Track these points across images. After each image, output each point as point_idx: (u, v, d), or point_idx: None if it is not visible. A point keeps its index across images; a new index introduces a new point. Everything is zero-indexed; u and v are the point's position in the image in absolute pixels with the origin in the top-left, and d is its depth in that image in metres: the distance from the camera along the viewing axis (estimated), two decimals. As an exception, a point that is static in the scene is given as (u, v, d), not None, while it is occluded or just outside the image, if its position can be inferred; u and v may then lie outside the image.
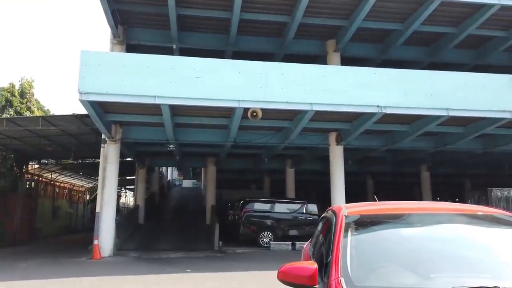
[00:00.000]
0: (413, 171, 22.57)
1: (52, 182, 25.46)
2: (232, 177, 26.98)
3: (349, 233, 2.39)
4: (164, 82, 10.58)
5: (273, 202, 15.76)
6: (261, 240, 15.02)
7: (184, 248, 14.56)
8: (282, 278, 2.23)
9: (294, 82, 11.05)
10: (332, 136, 14.30)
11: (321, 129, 14.11)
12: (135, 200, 22.57)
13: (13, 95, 19.92)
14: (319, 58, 15.25)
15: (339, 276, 1.99)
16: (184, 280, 9.02)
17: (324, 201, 17.04)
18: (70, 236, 23.99)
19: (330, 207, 3.49)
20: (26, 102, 20.39)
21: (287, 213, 15.74)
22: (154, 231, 18.68)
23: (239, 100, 10.83)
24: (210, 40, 14.66)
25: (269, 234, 15.13)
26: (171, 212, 25.17)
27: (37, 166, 22.07)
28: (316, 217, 15.63)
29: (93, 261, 11.85)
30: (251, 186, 28.65)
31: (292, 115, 12.79)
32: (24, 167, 20.12)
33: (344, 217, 2.58)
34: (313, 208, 15.88)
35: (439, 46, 14.92)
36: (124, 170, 18.50)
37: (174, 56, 11.93)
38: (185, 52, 14.44)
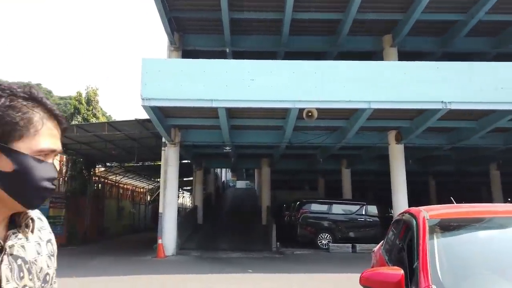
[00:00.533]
0: (480, 170, 21.07)
1: (116, 184, 27.01)
2: (285, 178, 26.93)
3: (434, 237, 2.28)
4: (219, 86, 10.81)
5: (331, 203, 15.48)
6: (320, 242, 14.83)
7: (242, 248, 14.76)
8: (365, 284, 2.17)
9: (350, 80, 10.79)
10: (392, 135, 13.76)
11: (380, 128, 13.64)
12: (193, 201, 23.30)
13: (80, 103, 21.42)
14: (375, 55, 14.78)
15: (430, 284, 1.90)
16: (245, 280, 9.14)
17: (382, 202, 16.49)
18: (133, 235, 25.26)
19: (405, 210, 3.35)
20: (92, 109, 21.82)
21: (346, 214, 15.40)
22: (212, 231, 19.14)
23: (293, 101, 10.78)
24: (262, 42, 14.76)
25: (327, 236, 14.90)
26: (227, 212, 25.65)
27: (103, 169, 23.54)
28: (376, 218, 15.15)
29: (157, 260, 12.39)
30: (305, 187, 28.43)
31: (349, 114, 12.50)
32: (92, 170, 21.53)
33: (426, 220, 2.46)
34: (372, 209, 15.40)
35: (506, 36, 13.85)
36: (181, 171, 19.16)
37: (229, 60, 12.17)
38: (238, 55, 14.68)
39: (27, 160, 0.83)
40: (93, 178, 22.06)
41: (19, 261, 0.90)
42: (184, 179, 28.22)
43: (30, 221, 0.94)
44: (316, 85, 10.69)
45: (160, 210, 13.76)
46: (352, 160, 19.94)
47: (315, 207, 15.53)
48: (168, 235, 13.31)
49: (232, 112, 12.32)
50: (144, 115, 12.05)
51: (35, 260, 0.95)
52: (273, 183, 22.07)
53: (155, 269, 10.47)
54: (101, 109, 23.41)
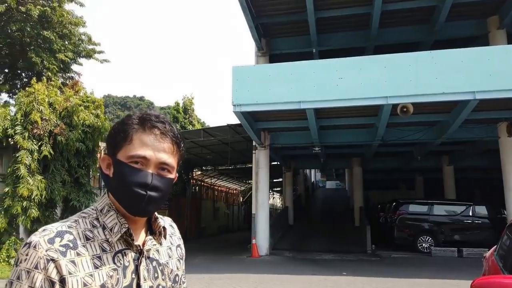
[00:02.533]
0: None
1: (211, 186, 28.51)
2: (378, 177, 25.72)
3: None
4: (307, 87, 10.78)
5: (432, 204, 14.34)
6: (420, 245, 13.86)
7: (335, 250, 14.48)
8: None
9: (450, 70, 9.93)
10: (502, 127, 12.31)
11: (487, 120, 12.31)
12: (284, 202, 23.52)
13: (178, 112, 23.13)
14: (477, 40, 13.38)
15: None
16: (341, 283, 8.93)
17: (492, 202, 14.80)
18: (228, 235, 26.38)
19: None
20: (189, 117, 23.41)
21: (449, 215, 14.16)
22: (304, 232, 19.11)
23: (386, 97, 10.27)
24: (349, 39, 14.36)
25: (428, 238, 13.86)
26: (318, 213, 25.39)
27: (199, 172, 25.05)
28: (486, 220, 13.68)
29: (252, 259, 12.77)
30: (401, 187, 26.82)
31: (449, 107, 11.50)
32: (190, 173, 23.06)
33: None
34: (481, 210, 13.90)
35: None
36: (271, 173, 19.50)
37: (316, 60, 12.05)
38: (324, 54, 14.48)
39: (121, 165, 0.97)
40: (191, 181, 23.60)
41: (154, 263, 1.04)
42: (274, 180, 28.66)
43: (162, 229, 1.08)
44: (411, 78, 10.05)
45: (253, 211, 14.16)
46: (455, 156, 18.25)
47: (413, 208, 14.53)
48: (261, 236, 13.63)
49: (320, 113, 12.19)
50: (235, 120, 12.56)
51: (167, 263, 1.09)
52: (365, 183, 21.25)
53: (252, 269, 10.81)
54: (196, 116, 24.95)
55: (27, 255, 0.88)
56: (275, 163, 21.11)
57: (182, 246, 1.20)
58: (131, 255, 0.98)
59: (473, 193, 23.07)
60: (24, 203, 9.97)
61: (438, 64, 10.05)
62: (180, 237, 1.21)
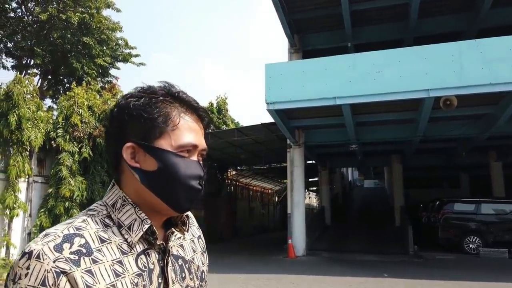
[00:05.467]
0: None
1: (246, 186, 28.55)
2: (419, 175, 24.71)
3: None
4: (343, 82, 10.45)
5: (479, 203, 13.53)
6: (467, 246, 13.11)
7: (374, 250, 13.99)
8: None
9: (498, 59, 9.28)
10: (556, 119, 11.41)
11: (540, 111, 11.43)
12: (320, 201, 23.12)
13: (212, 112, 23.30)
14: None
15: None
16: (382, 285, 8.58)
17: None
18: (263, 235, 26.31)
19: None
20: (222, 117, 23.53)
21: (499, 215, 13.31)
22: (341, 232, 18.66)
23: (428, 90, 9.75)
24: (386, 31, 13.83)
25: (476, 239, 13.09)
26: (356, 213, 24.76)
27: (234, 172, 25.13)
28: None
29: (289, 260, 12.57)
30: (444, 185, 25.63)
31: (497, 99, 10.76)
32: (224, 173, 23.17)
33: None
34: (534, 208, 12.99)
35: None
36: (306, 172, 19.20)
37: (351, 54, 11.68)
38: (360, 48, 14.01)
39: (169, 156, 0.80)
40: (226, 181, 23.71)
41: (180, 261, 0.88)
42: (310, 179, 28.28)
43: (186, 218, 0.91)
44: (454, 69, 9.49)
45: (288, 211, 13.96)
46: (504, 151, 17.13)
47: (459, 207, 13.76)
48: (297, 236, 13.40)
49: (357, 109, 11.79)
50: (268, 119, 12.42)
51: (193, 259, 0.93)
52: (405, 181, 20.44)
53: (288, 269, 10.62)
54: (230, 116, 25.05)
55: (28, 268, 0.69)
56: (311, 162, 20.77)
57: (202, 237, 1.04)
58: (154, 255, 0.83)
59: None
60: (66, 204, 10.33)
61: (484, 53, 9.42)
62: (199, 227, 1.04)
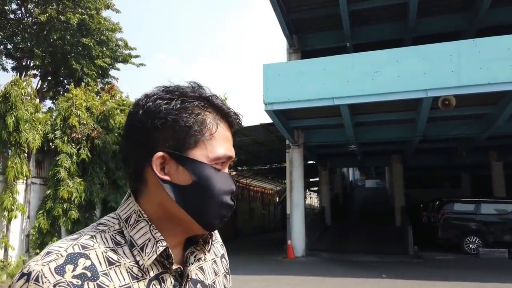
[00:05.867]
0: None
1: (247, 187, 28.53)
2: (420, 175, 24.67)
3: None
4: (341, 82, 10.42)
5: (479, 203, 13.47)
6: (466, 246, 13.06)
7: (374, 251, 13.95)
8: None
9: (496, 58, 9.24)
10: (556, 119, 11.34)
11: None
12: (320, 201, 23.08)
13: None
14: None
15: None
16: (380, 286, 8.56)
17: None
18: (264, 235, 26.27)
19: None
20: (222, 117, 23.56)
21: (499, 215, 13.24)
22: (342, 232, 18.62)
23: (426, 90, 9.72)
24: (385, 31, 13.79)
25: (476, 239, 13.03)
26: (356, 213, 24.72)
27: (234, 173, 25.12)
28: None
29: (288, 260, 12.54)
30: (445, 184, 25.56)
31: (496, 98, 10.70)
32: (225, 174, 23.14)
33: None
34: (534, 208, 12.91)
35: None
36: (307, 172, 19.17)
37: (349, 54, 11.65)
38: (359, 48, 13.97)
39: (206, 169, 0.71)
40: (226, 181, 23.65)
41: (199, 286, 0.77)
42: (310, 180, 28.25)
43: (209, 235, 0.80)
44: (452, 69, 9.45)
45: (288, 211, 13.93)
46: (505, 151, 17.07)
47: (459, 207, 13.70)
48: (297, 236, 13.37)
49: (355, 109, 11.76)
50: (268, 119, 12.39)
51: (214, 283, 0.82)
52: (406, 181, 20.39)
53: (287, 270, 10.59)
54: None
55: None
56: (311, 162, 20.74)
57: (226, 256, 0.93)
58: (170, 281, 0.73)
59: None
60: (65, 205, 10.32)
61: (483, 52, 9.38)
62: (223, 244, 0.93)
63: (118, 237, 0.71)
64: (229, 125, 0.77)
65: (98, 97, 13.12)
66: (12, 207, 9.57)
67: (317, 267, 11.30)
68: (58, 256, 0.64)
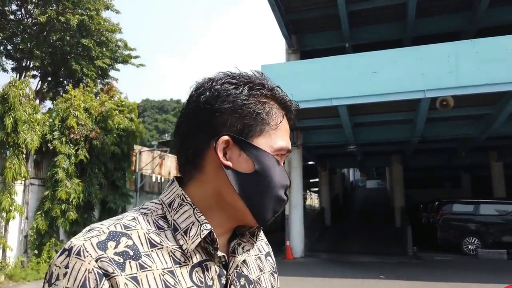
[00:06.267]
0: None
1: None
2: (420, 176, 24.62)
3: None
4: (339, 83, 10.41)
5: (478, 203, 13.44)
6: (465, 247, 13.03)
7: (374, 251, 13.93)
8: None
9: (494, 59, 9.22)
10: (555, 119, 11.31)
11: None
12: (320, 202, 23.05)
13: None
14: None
15: None
16: (378, 287, 8.55)
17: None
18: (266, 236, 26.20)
19: None
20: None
21: (498, 215, 13.20)
22: (341, 233, 18.60)
23: (424, 90, 9.71)
24: (384, 31, 13.78)
25: (475, 240, 13.00)
26: (356, 213, 24.69)
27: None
28: (540, 221, 12.66)
29: (287, 261, 12.52)
30: (445, 185, 25.51)
31: (494, 99, 10.69)
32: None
33: None
34: (534, 209, 12.87)
35: None
36: (307, 173, 19.13)
37: (347, 55, 11.64)
38: (358, 49, 13.96)
39: (269, 159, 0.69)
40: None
41: (242, 281, 0.73)
42: (310, 180, 28.20)
43: (257, 228, 0.76)
44: (450, 69, 9.43)
45: (286, 212, 13.91)
46: (505, 151, 17.03)
47: (458, 207, 13.67)
48: (295, 237, 13.36)
49: (354, 109, 11.75)
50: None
51: (259, 279, 0.78)
52: (406, 182, 20.35)
53: (285, 271, 10.53)
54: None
55: (67, 267, 0.59)
56: (311, 162, 20.72)
57: (272, 254, 0.89)
58: (214, 269, 0.69)
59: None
60: (63, 206, 10.34)
61: (480, 53, 9.36)
62: (268, 243, 0.89)
63: (161, 222, 0.69)
64: (288, 119, 0.76)
65: (97, 98, 13.15)
66: (10, 208, 9.59)
67: (316, 267, 11.29)
68: (100, 232, 0.62)
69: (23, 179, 10.29)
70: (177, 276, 0.64)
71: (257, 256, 0.82)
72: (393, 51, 10.47)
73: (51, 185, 10.52)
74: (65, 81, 19.38)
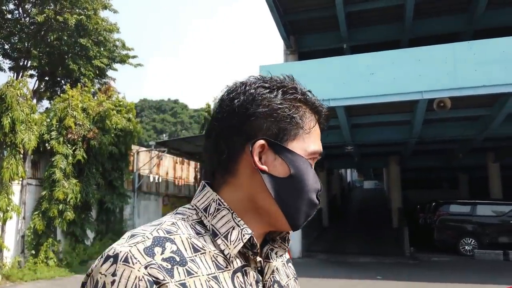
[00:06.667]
0: None
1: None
2: (418, 177, 24.68)
3: None
4: (336, 84, 10.42)
5: (474, 204, 13.49)
6: (462, 248, 13.08)
7: (371, 252, 13.97)
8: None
9: (491, 61, 9.24)
10: (552, 120, 11.36)
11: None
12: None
13: (209, 113, 23.31)
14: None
15: None
16: (376, 287, 8.59)
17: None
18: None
19: None
20: (219, 118, 23.49)
21: (495, 216, 13.26)
22: (339, 234, 18.64)
23: (421, 92, 9.72)
24: (382, 32, 13.82)
25: (471, 240, 13.05)
26: (354, 214, 24.73)
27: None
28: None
29: (284, 261, 12.53)
30: (443, 186, 25.60)
31: (491, 100, 10.73)
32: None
33: None
34: (530, 210, 12.93)
35: None
36: (306, 173, 19.11)
37: (345, 56, 11.66)
38: (356, 49, 14.00)
39: (303, 163, 0.69)
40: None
41: (276, 287, 0.73)
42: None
43: (287, 233, 0.76)
44: (448, 71, 9.46)
45: (285, 212, 13.93)
46: (502, 152, 17.09)
47: (455, 208, 13.73)
48: (293, 238, 13.37)
49: (352, 110, 11.77)
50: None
51: (287, 285, 0.78)
52: (404, 183, 20.40)
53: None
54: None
55: (114, 275, 0.56)
56: (309, 163, 20.70)
57: (291, 261, 0.90)
58: (253, 274, 0.68)
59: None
60: (60, 206, 10.32)
61: (478, 55, 9.39)
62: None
63: (198, 227, 0.67)
64: (319, 123, 0.76)
65: (95, 97, 13.12)
66: (7, 208, 9.57)
67: (313, 268, 11.31)
68: (144, 238, 0.60)
69: (21, 179, 10.27)
70: (221, 282, 0.63)
71: (282, 262, 0.82)
72: (391, 52, 10.50)
73: (48, 185, 10.50)
74: (62, 81, 19.33)
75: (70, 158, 10.75)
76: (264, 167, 0.68)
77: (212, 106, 23.90)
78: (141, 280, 0.56)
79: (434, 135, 12.87)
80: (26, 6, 17.61)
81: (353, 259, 12.84)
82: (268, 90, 0.70)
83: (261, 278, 0.70)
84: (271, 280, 0.71)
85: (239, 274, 0.66)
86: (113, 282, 0.55)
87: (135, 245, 0.59)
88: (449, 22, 13.06)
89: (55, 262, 10.31)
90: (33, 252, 10.32)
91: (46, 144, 10.86)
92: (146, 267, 0.57)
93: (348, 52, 14.07)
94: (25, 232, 10.45)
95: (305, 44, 14.68)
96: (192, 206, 0.71)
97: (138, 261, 0.57)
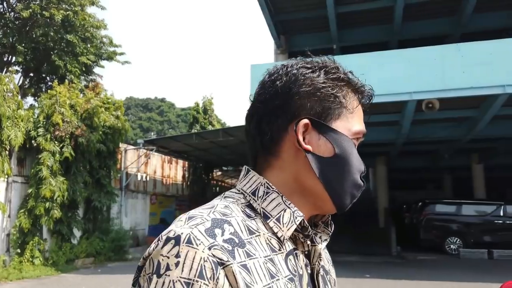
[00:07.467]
0: None
1: (232, 187, 28.41)
2: (405, 177, 25.00)
3: None
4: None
5: (460, 204, 13.76)
6: (448, 247, 13.32)
7: (358, 251, 14.10)
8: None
9: (478, 63, 9.44)
10: (535, 123, 11.67)
11: (518, 115, 11.68)
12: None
13: (198, 112, 23.19)
14: (509, 31, 12.72)
15: None
16: (363, 286, 8.66)
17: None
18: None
19: None
20: (208, 117, 23.42)
21: (479, 216, 13.54)
22: (327, 233, 18.73)
23: (410, 92, 9.87)
24: (371, 33, 13.96)
25: (457, 240, 13.30)
26: (340, 214, 24.84)
27: (219, 173, 25.04)
28: (518, 221, 13.02)
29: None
30: (428, 186, 26.01)
31: (478, 102, 10.96)
32: (210, 174, 23.06)
33: None
34: (513, 210, 13.25)
35: None
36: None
37: (334, 56, 11.71)
38: (346, 50, 14.12)
39: (348, 143, 0.69)
40: (212, 181, 23.60)
41: (322, 271, 0.72)
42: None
43: (329, 218, 0.76)
44: (436, 72, 9.62)
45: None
46: (486, 154, 17.47)
47: (440, 208, 13.97)
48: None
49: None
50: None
51: (329, 270, 0.78)
52: (390, 183, 20.64)
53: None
54: (216, 116, 24.96)
55: (177, 256, 0.54)
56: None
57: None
58: (302, 258, 0.68)
59: (504, 192, 22.08)
60: (47, 204, 10.13)
61: (466, 57, 9.57)
62: None
63: (248, 210, 0.66)
64: (362, 103, 0.75)
65: (82, 94, 12.92)
66: (-8, 206, 9.34)
67: (302, 267, 11.35)
68: (203, 220, 0.59)
69: (6, 176, 10.04)
70: (276, 265, 0.62)
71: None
72: (380, 54, 10.63)
73: (35, 182, 10.30)
74: (47, 77, 18.97)
75: (57, 155, 10.57)
76: (309, 147, 0.67)
77: (200, 105, 23.80)
78: (206, 261, 0.55)
79: (422, 136, 13.06)
80: (11, 1, 17.23)
81: (341, 258, 12.92)
82: (310, 70, 0.70)
83: (309, 262, 0.70)
84: (318, 264, 0.71)
85: (291, 257, 0.66)
86: (177, 264, 0.54)
87: (195, 227, 0.58)
88: (437, 25, 13.28)
89: (41, 261, 10.11)
90: (19, 250, 10.10)
91: (33, 141, 10.65)
92: (209, 248, 0.56)
93: (338, 52, 14.18)
94: (10, 231, 10.23)
95: (295, 44, 14.73)
96: (239, 190, 0.70)
97: (202, 242, 0.56)
